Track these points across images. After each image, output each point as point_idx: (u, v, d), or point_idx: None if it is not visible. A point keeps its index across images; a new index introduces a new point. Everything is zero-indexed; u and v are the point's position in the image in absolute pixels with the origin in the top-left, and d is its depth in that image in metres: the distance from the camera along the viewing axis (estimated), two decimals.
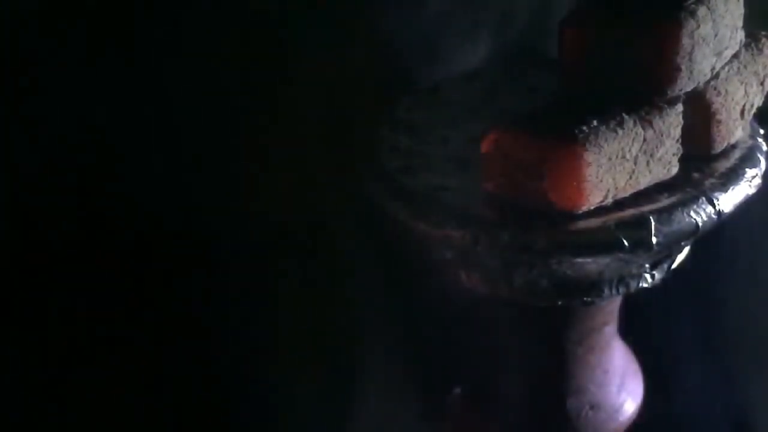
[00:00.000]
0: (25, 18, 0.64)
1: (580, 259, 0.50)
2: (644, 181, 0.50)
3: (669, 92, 0.49)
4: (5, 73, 0.65)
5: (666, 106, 0.50)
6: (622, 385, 0.63)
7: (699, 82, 0.51)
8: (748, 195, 0.52)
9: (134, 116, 0.68)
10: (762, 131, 0.57)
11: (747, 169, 0.53)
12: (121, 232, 0.72)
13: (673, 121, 0.50)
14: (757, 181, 0.53)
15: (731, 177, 0.52)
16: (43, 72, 0.66)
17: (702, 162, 0.53)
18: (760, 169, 0.54)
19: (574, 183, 0.47)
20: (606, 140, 0.47)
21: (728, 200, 0.51)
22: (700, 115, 0.52)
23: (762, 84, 0.56)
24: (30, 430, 0.75)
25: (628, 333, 0.64)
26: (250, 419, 0.78)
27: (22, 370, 0.73)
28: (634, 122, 0.49)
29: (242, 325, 0.77)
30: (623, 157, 0.48)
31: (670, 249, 0.54)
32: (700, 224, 0.50)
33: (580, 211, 0.48)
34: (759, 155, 0.54)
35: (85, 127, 0.67)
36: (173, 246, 0.73)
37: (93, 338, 0.74)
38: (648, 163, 0.50)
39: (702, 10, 0.49)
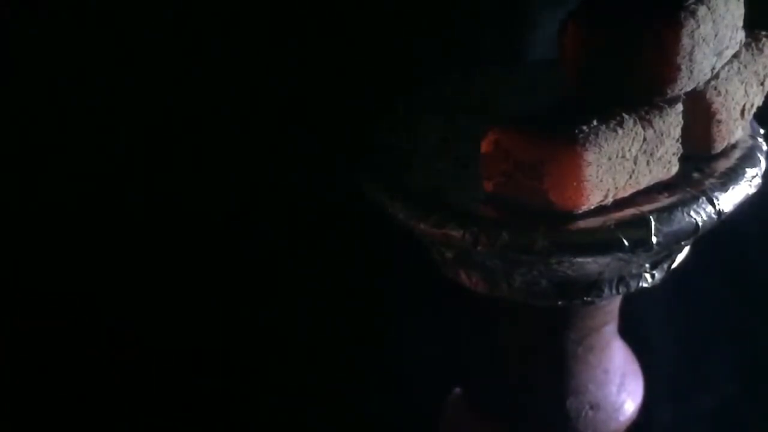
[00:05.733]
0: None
1: (580, 259, 0.50)
2: (644, 180, 0.50)
3: (669, 92, 0.49)
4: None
5: (666, 106, 0.50)
6: (622, 385, 0.63)
7: (699, 82, 0.51)
8: (748, 195, 0.52)
9: (139, 116, 0.69)
10: (762, 131, 0.57)
11: (747, 169, 0.53)
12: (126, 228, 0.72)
13: (673, 121, 0.50)
14: (757, 181, 0.53)
15: (731, 177, 0.52)
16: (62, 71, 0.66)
17: (702, 162, 0.53)
18: (760, 168, 0.54)
19: (574, 183, 0.47)
20: (606, 140, 0.47)
21: (728, 200, 0.51)
22: (700, 115, 0.52)
23: (762, 84, 0.56)
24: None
25: (628, 333, 0.64)
26: (247, 417, 0.78)
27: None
28: (634, 122, 0.49)
29: (242, 323, 0.77)
30: (623, 156, 0.48)
31: (670, 249, 0.54)
32: (700, 224, 0.50)
33: (580, 211, 0.48)
34: (759, 155, 0.54)
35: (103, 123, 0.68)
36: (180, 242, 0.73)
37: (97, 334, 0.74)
38: (648, 162, 0.50)
39: (702, 10, 0.49)
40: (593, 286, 0.53)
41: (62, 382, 0.75)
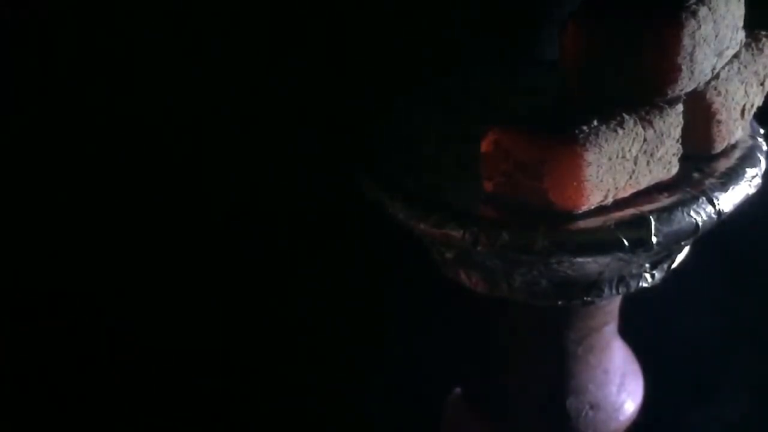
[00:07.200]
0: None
1: (580, 259, 0.50)
2: (644, 181, 0.50)
3: (669, 92, 0.49)
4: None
5: (666, 106, 0.50)
6: (622, 385, 0.63)
7: (699, 83, 0.51)
8: (748, 195, 0.52)
9: (139, 116, 0.69)
10: (762, 131, 0.57)
11: (747, 169, 0.53)
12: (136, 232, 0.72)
13: (673, 121, 0.50)
14: (757, 181, 0.53)
15: (731, 177, 0.52)
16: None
17: (702, 162, 0.53)
18: (760, 168, 0.54)
19: (574, 183, 0.47)
20: (606, 140, 0.47)
21: (728, 200, 0.51)
22: (701, 115, 0.52)
23: (762, 84, 0.56)
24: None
25: (628, 333, 0.64)
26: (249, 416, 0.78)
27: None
28: (634, 122, 0.49)
29: (242, 323, 0.77)
30: (623, 157, 0.48)
31: (670, 249, 0.54)
32: (700, 224, 0.50)
33: (580, 211, 0.48)
34: (759, 155, 0.54)
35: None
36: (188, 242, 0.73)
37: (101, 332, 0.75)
38: (648, 163, 0.50)
39: (703, 11, 0.49)
40: (593, 286, 0.53)
41: (62, 382, 0.75)
